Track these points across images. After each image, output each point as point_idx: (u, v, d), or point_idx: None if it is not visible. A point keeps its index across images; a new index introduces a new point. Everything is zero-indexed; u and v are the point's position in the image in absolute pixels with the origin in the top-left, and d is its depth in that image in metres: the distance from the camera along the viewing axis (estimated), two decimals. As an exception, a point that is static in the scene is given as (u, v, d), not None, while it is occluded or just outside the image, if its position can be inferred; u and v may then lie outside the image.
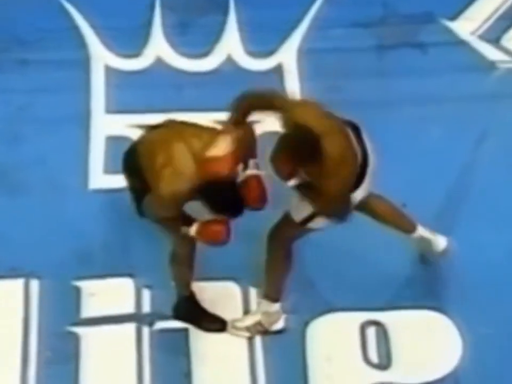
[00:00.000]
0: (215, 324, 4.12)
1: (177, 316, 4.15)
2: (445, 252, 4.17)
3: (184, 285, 4.08)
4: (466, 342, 4.07)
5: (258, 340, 4.09)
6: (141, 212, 3.84)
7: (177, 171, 3.59)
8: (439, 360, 4.05)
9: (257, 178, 3.72)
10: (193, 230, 3.70)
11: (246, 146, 3.71)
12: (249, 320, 4.10)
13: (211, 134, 3.68)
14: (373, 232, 4.20)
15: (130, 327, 4.12)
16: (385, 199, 4.11)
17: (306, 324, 4.11)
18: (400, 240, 4.25)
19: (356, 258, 4.21)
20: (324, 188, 3.59)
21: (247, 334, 4.09)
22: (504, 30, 5.06)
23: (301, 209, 3.82)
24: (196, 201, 3.63)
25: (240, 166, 3.72)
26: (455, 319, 4.12)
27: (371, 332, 4.11)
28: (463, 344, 4.07)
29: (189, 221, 3.72)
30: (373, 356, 4.07)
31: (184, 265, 3.97)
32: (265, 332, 4.09)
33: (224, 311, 4.15)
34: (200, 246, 3.89)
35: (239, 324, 4.11)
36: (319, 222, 3.84)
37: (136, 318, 4.14)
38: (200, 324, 4.12)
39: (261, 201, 3.72)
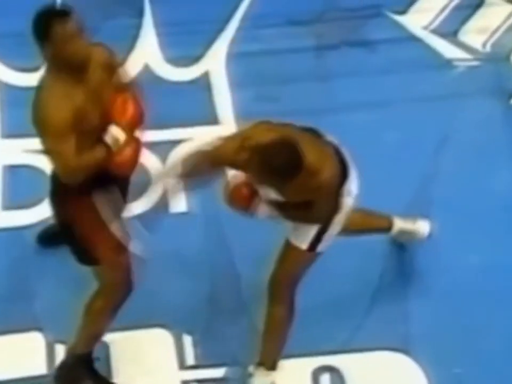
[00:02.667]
0: None
1: (61, 380, 4.00)
2: (430, 236, 4.23)
3: (94, 339, 3.95)
4: None
5: None
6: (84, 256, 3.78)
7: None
8: None
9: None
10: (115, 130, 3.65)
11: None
12: None
13: None
14: (323, 263, 4.05)
15: (42, 391, 4.03)
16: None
17: (250, 375, 4.04)
18: (354, 271, 4.23)
19: (303, 295, 4.03)
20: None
21: None
22: (462, 23, 5.12)
23: (304, 231, 3.77)
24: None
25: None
26: (419, 360, 4.10)
27: (325, 379, 4.09)
28: None
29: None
30: (329, 406, 4.01)
31: (112, 313, 3.88)
32: None
33: (157, 361, 4.06)
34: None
35: None
36: (327, 241, 3.77)
37: (49, 379, 4.04)
38: None
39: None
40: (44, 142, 3.58)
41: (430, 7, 5.14)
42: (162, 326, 4.14)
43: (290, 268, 3.84)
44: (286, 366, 4.07)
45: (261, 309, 3.99)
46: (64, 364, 4.01)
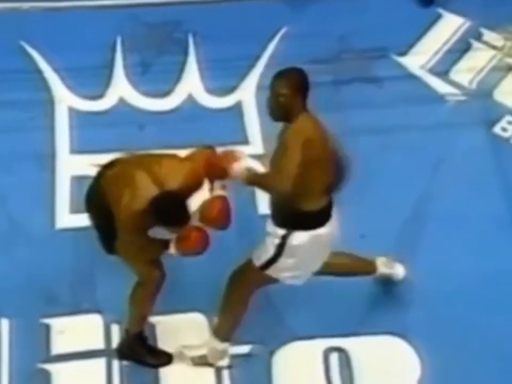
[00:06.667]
0: (161, 359, 4.17)
1: (123, 355, 4.17)
2: (405, 279, 4.30)
3: (142, 321, 4.11)
4: (425, 365, 4.15)
5: (225, 371, 4.17)
6: (108, 248, 3.93)
7: (136, 193, 3.70)
8: (400, 382, 4.14)
9: (220, 198, 3.78)
10: (172, 248, 3.78)
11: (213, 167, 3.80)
12: (196, 352, 4.16)
13: (171, 159, 3.83)
14: None
15: (100, 362, 4.19)
16: (339, 252, 4.11)
17: (271, 353, 4.20)
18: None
19: (319, 287, 4.25)
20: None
21: (190, 363, 4.14)
22: (452, 64, 5.25)
23: (262, 252, 3.88)
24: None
25: (206, 186, 3.82)
26: (415, 344, 4.22)
27: (334, 358, 4.20)
28: (421, 367, 4.15)
29: (166, 244, 3.80)
30: (336, 381, 4.15)
31: (151, 299, 4.02)
32: (209, 365, 4.15)
33: (193, 339, 4.16)
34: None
35: (186, 353, 4.17)
36: (281, 271, 3.87)
37: (106, 353, 4.20)
38: (147, 360, 4.16)
39: (222, 221, 3.78)
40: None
41: (426, 50, 5.29)
42: (199, 310, 4.29)
43: (246, 277, 3.94)
44: (302, 345, 4.20)
45: (281, 296, 4.14)
46: (124, 342, 4.19)
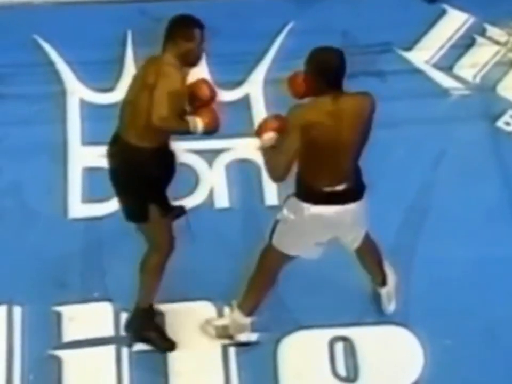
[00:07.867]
0: (165, 343, 4.18)
1: (131, 329, 4.18)
2: (388, 314, 4.31)
3: (153, 293, 4.10)
4: (427, 354, 4.19)
5: (232, 358, 4.20)
6: (136, 214, 3.92)
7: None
8: (403, 371, 4.18)
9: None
10: (199, 123, 3.77)
11: None
12: (220, 321, 4.20)
13: None
14: (339, 252, 4.28)
15: (110, 349, 4.21)
16: (373, 241, 4.14)
17: (277, 341, 4.22)
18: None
19: (323, 277, 4.32)
20: None
21: (213, 333, 4.18)
22: (456, 59, 5.29)
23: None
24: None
25: None
26: (417, 333, 4.25)
27: (339, 347, 4.23)
28: (424, 355, 4.19)
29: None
30: (341, 370, 4.18)
31: (163, 267, 4.02)
32: (230, 337, 4.18)
33: (199, 331, 4.20)
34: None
35: (211, 322, 4.20)
36: (284, 242, 3.89)
37: (116, 340, 4.23)
38: (152, 338, 4.17)
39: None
40: (157, 89, 3.66)
41: (431, 45, 5.33)
42: (207, 299, 4.33)
43: (263, 255, 4.02)
44: (307, 335, 4.22)
45: (288, 286, 4.19)
46: (133, 316, 4.20)
